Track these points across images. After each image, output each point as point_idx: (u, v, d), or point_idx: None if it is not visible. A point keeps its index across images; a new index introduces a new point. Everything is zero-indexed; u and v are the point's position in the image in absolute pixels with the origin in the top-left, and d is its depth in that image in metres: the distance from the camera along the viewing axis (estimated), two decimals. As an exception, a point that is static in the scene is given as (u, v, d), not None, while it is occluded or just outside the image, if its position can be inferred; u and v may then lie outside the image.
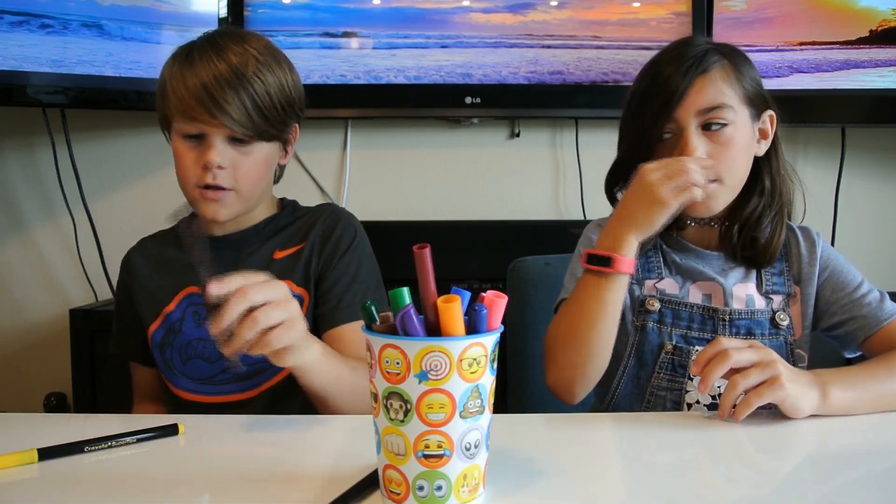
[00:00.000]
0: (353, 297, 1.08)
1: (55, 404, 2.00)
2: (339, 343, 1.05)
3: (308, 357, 0.88)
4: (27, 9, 1.72)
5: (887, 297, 1.05)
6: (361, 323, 1.06)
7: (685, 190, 0.92)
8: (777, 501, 0.66)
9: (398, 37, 1.96)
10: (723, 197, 1.04)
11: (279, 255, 1.12)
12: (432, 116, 2.04)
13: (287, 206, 1.19)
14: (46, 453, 0.75)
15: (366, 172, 2.09)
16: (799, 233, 1.11)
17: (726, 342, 0.85)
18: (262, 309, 0.80)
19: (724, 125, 1.01)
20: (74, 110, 1.91)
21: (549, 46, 1.95)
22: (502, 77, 1.95)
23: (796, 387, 0.83)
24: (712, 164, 0.98)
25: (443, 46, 1.96)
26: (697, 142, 1.00)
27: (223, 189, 1.05)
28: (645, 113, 1.03)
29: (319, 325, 1.09)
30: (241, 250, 1.13)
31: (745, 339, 1.02)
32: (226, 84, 1.01)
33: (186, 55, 1.05)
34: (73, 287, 2.07)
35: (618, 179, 1.11)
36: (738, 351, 0.84)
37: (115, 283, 1.96)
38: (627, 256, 0.93)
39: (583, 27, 1.95)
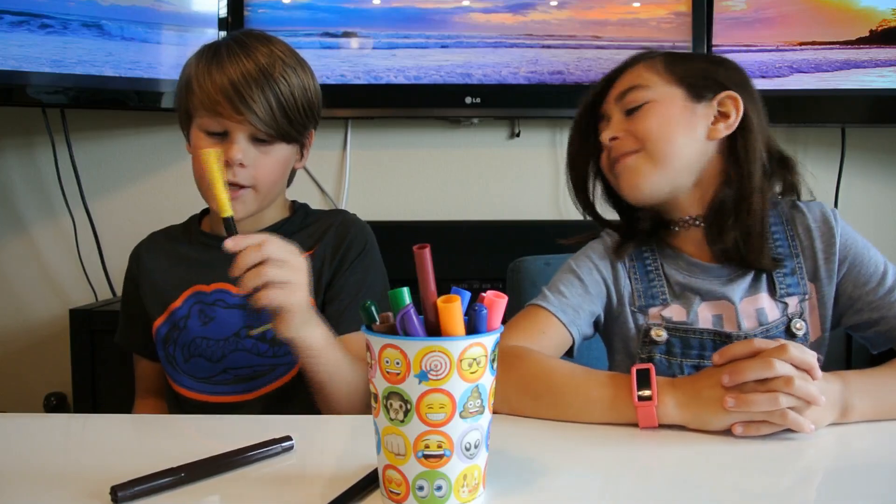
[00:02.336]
0: (357, 308, 1.06)
1: (55, 404, 2.00)
2: None
3: (313, 336, 0.93)
4: (27, 9, 1.72)
5: None
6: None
7: (751, 426, 0.78)
8: None
9: (398, 37, 1.96)
10: (647, 171, 0.99)
11: None
12: (432, 116, 2.04)
13: (298, 210, 1.19)
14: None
15: (366, 172, 2.09)
16: (809, 217, 1.02)
17: (775, 350, 0.77)
18: (270, 262, 0.86)
19: (643, 104, 1.00)
20: (74, 110, 1.91)
21: (549, 46, 1.95)
22: (502, 77, 1.95)
23: (819, 413, 0.78)
24: (819, 404, 0.78)
25: (443, 46, 1.96)
26: (616, 122, 1.02)
27: (242, 187, 1.06)
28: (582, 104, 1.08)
29: None
30: None
31: None
32: (253, 83, 1.03)
33: (214, 53, 1.06)
34: (73, 287, 2.07)
35: (577, 182, 1.10)
36: (783, 363, 0.76)
37: (115, 283, 1.98)
38: (658, 414, 0.81)
39: (583, 27, 1.95)
